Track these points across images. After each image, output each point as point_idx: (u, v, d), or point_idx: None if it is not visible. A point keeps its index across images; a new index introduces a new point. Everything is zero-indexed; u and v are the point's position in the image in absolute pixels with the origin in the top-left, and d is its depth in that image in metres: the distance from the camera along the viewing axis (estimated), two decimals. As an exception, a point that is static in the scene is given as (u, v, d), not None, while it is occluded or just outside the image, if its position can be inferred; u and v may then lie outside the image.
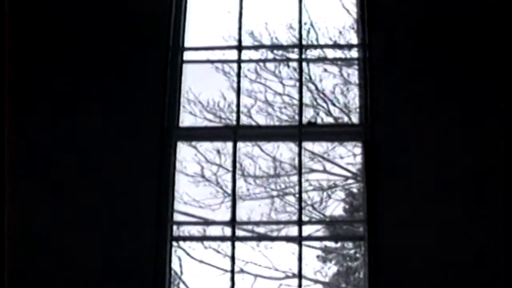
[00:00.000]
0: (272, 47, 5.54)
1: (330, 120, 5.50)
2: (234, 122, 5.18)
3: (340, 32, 5.58)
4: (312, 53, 5.47)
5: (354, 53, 5.35)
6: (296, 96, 5.24)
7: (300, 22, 5.27)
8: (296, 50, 5.39)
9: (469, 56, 4.87)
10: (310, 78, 5.47)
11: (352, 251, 5.58)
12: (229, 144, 5.15)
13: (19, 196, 4.74)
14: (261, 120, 5.41)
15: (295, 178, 5.23)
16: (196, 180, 5.34)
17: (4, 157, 4.35)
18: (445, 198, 4.67)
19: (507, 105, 4.71)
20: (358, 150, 5.21)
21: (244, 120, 5.29)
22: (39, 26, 5.12)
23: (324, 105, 5.55)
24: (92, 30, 5.11)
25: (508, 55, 4.79)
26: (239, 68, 5.21)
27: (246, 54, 5.37)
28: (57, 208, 4.77)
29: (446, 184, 4.70)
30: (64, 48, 5.09)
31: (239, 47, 5.26)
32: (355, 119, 5.36)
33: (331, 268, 5.57)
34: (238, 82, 5.16)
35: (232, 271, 4.78)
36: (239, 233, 5.01)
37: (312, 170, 5.42)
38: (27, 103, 4.97)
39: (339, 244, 5.60)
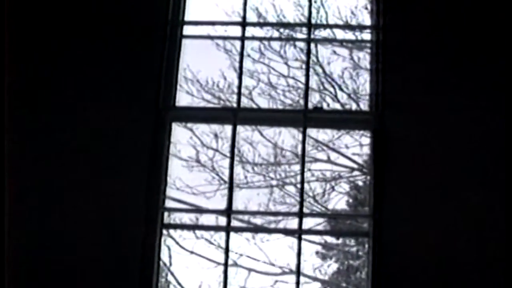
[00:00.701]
0: (278, 25, 5.50)
1: (337, 106, 5.48)
2: (234, 104, 5.13)
3: (352, 12, 5.58)
4: (320, 34, 5.39)
5: (366, 35, 5.32)
6: (302, 79, 5.23)
7: (309, -1, 5.28)
8: (303, 29, 5.32)
9: (489, 41, 4.83)
10: (318, 60, 5.44)
11: (354, 249, 5.60)
12: (228, 128, 5.10)
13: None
14: (263, 103, 5.39)
15: (296, 167, 5.29)
16: (191, 165, 5.35)
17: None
18: (458, 193, 4.62)
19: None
20: (366, 139, 5.21)
21: (245, 102, 5.25)
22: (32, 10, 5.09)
23: (332, 89, 5.53)
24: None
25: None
26: (242, 46, 5.16)
27: (249, 32, 5.30)
28: (47, 199, 4.77)
29: (461, 178, 4.65)
30: (55, 23, 5.06)
31: (243, 24, 5.20)
32: (364, 106, 5.36)
33: (331, 266, 5.62)
34: (240, 61, 5.10)
35: (225, 264, 4.74)
36: (234, 223, 4.96)
37: (316, 160, 5.42)
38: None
39: (340, 240, 5.61)
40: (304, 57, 5.23)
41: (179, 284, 5.18)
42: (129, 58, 4.94)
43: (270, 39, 5.43)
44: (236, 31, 5.25)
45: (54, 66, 4.94)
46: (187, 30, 5.19)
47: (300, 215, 4.84)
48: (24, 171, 4.75)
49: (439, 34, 4.85)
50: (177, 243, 5.19)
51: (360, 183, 5.60)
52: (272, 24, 5.49)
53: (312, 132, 5.24)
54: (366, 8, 5.39)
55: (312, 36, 5.25)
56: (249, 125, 5.23)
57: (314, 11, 5.37)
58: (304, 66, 5.16)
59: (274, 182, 5.38)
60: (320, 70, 5.45)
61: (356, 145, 5.37)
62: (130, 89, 4.88)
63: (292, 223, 4.99)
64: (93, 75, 4.91)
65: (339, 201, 5.56)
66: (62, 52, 4.95)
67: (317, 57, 5.41)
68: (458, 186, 4.62)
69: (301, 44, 5.37)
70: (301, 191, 4.87)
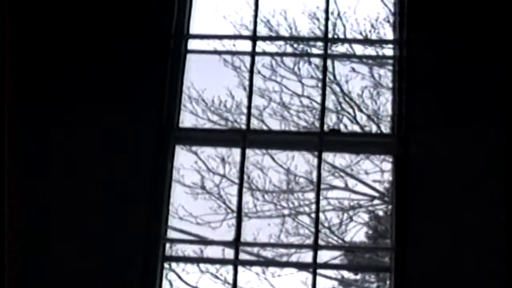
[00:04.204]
0: (292, 39, 5.52)
1: (356, 128, 5.49)
2: (243, 126, 5.14)
3: (373, 26, 5.61)
4: (338, 49, 5.44)
5: (388, 51, 5.33)
6: (318, 98, 5.24)
7: (326, 11, 5.21)
8: (319, 44, 5.38)
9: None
10: (335, 78, 5.44)
11: (374, 285, 5.57)
12: (236, 151, 5.07)
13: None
14: (275, 125, 5.36)
15: (311, 195, 5.30)
16: (195, 192, 5.33)
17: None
18: (490, 224, 4.56)
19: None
20: (387, 165, 5.21)
21: (255, 124, 5.24)
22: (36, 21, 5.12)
23: (350, 110, 5.53)
24: (82, 11, 5.09)
25: None
26: (252, 62, 5.13)
27: (260, 47, 5.30)
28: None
29: (493, 210, 4.58)
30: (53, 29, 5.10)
31: (253, 38, 5.20)
32: (385, 128, 5.42)
33: (349, 304, 5.53)
34: (250, 79, 5.08)
35: (233, 301, 4.81)
36: (243, 256, 4.95)
37: (332, 187, 5.39)
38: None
39: (359, 276, 5.58)
40: (320, 75, 5.23)
41: (181, 323, 5.07)
42: (128, 74, 4.92)
43: (283, 54, 5.44)
44: (246, 45, 5.28)
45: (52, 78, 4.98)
46: (192, 44, 5.18)
47: (315, 247, 4.78)
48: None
49: (468, 49, 4.83)
50: (180, 277, 5.16)
51: (381, 213, 5.59)
52: (285, 39, 5.52)
53: (328, 156, 5.25)
54: (388, 21, 5.46)
55: (328, 52, 5.23)
56: (259, 149, 5.20)
57: (331, 24, 5.31)
58: (320, 85, 5.13)
59: (286, 212, 5.34)
60: (337, 89, 5.47)
61: (377, 171, 5.34)
62: (129, 108, 4.86)
63: (306, 256, 4.94)
64: (88, 91, 4.90)
65: (357, 233, 5.53)
66: (61, 63, 4.99)
67: (334, 75, 5.41)
68: (488, 217, 4.57)
69: (317, 61, 5.37)
70: (316, 221, 4.84)
